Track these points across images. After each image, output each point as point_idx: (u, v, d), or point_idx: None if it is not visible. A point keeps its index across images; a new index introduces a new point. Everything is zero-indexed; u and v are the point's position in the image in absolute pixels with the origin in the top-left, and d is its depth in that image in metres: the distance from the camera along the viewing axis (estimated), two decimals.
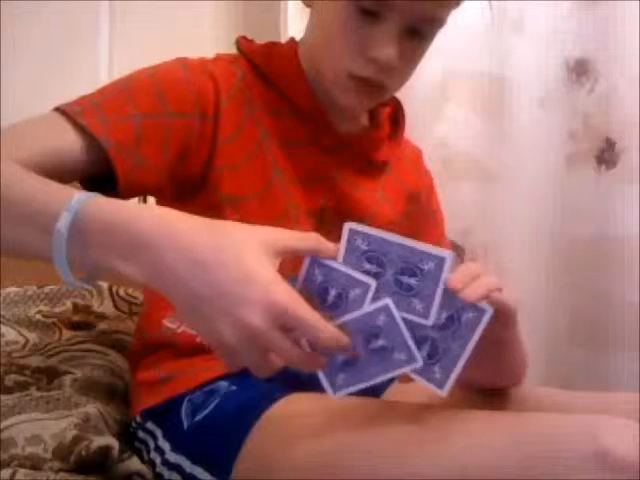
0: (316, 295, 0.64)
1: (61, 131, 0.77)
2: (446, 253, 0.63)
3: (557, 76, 1.56)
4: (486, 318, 0.64)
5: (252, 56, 0.92)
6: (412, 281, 0.64)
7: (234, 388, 0.83)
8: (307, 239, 0.65)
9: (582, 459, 0.59)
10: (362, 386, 0.66)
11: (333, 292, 0.64)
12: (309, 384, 0.79)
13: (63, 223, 0.61)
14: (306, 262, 0.65)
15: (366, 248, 0.64)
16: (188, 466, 0.78)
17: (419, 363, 0.64)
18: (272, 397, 0.78)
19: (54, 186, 0.67)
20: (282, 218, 0.88)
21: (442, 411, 0.69)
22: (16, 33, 1.48)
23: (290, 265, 0.64)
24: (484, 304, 0.65)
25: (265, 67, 0.91)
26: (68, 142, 0.77)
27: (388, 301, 0.64)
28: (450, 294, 0.64)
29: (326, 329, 0.60)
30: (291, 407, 0.77)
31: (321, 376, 0.66)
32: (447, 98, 1.52)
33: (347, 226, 0.64)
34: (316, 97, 0.91)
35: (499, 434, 0.64)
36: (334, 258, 0.64)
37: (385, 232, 0.64)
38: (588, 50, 1.53)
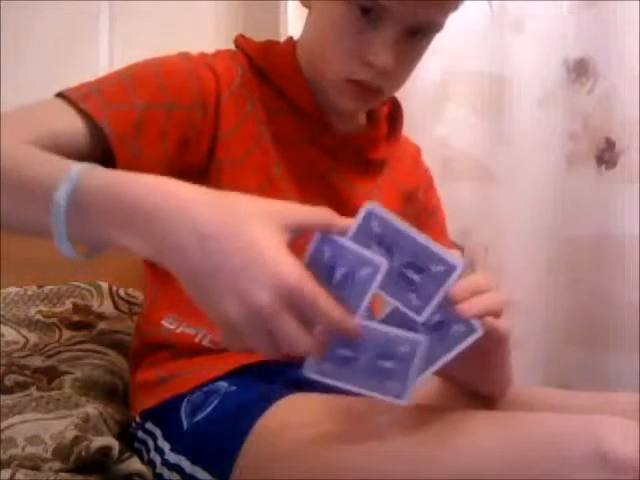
0: (323, 272, 0.61)
1: (63, 115, 0.77)
2: (458, 262, 0.62)
3: (557, 76, 1.56)
4: (472, 338, 0.64)
5: (251, 54, 0.92)
6: (416, 277, 0.62)
7: (234, 388, 0.83)
8: (318, 213, 0.62)
9: (582, 459, 0.59)
10: (338, 384, 0.64)
11: (341, 270, 0.61)
12: (309, 385, 0.79)
13: (61, 194, 0.59)
14: (315, 237, 0.62)
15: (379, 232, 0.62)
16: (188, 466, 0.78)
17: (404, 402, 0.63)
18: (272, 398, 0.78)
19: (53, 157, 0.66)
20: None
21: (442, 412, 0.69)
22: (16, 33, 1.48)
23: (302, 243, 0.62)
24: (476, 323, 0.64)
25: (263, 65, 0.91)
26: (70, 126, 0.76)
27: (423, 341, 0.63)
28: (449, 301, 0.63)
29: (337, 311, 0.58)
30: (291, 408, 0.77)
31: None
32: (447, 98, 1.51)
33: (367, 205, 0.62)
34: (314, 96, 0.91)
35: (499, 434, 0.64)
36: (344, 233, 0.62)
37: (403, 223, 0.62)
38: (588, 50, 1.53)
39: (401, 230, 0.62)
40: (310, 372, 0.64)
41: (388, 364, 0.63)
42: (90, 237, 0.62)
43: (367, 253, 0.60)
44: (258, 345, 0.59)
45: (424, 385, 0.67)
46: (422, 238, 0.62)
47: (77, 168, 0.61)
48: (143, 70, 0.83)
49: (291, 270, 0.57)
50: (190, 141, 0.84)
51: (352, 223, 0.62)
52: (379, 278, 0.60)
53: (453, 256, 0.62)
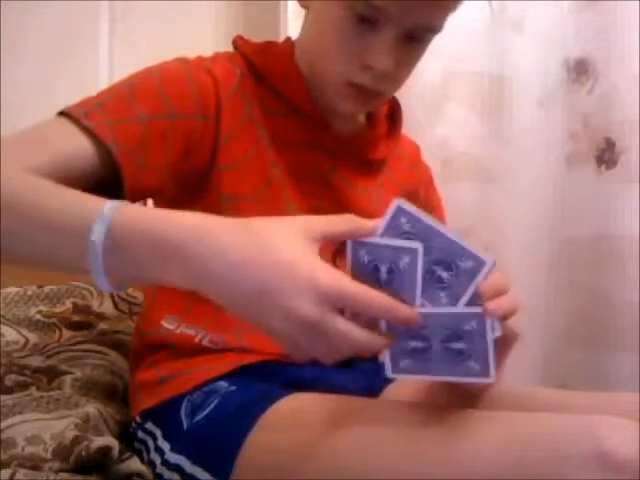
0: (369, 276, 0.62)
1: (67, 135, 0.76)
2: (488, 258, 0.62)
3: (557, 76, 1.56)
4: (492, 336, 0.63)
5: (249, 55, 0.91)
6: (445, 274, 0.62)
7: (234, 388, 0.82)
8: (342, 221, 0.63)
9: (582, 459, 0.59)
10: (423, 377, 0.64)
11: (383, 268, 0.62)
12: (310, 384, 0.79)
13: (97, 235, 0.61)
14: (349, 246, 0.63)
15: (409, 229, 0.62)
16: (188, 466, 0.78)
17: (491, 380, 0.62)
18: (272, 397, 0.78)
19: (80, 195, 0.66)
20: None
21: (441, 411, 0.69)
22: (16, 33, 1.48)
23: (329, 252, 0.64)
24: (497, 323, 0.63)
25: (262, 66, 0.91)
26: (75, 146, 0.76)
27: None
28: (475, 298, 0.62)
29: (381, 300, 0.59)
30: (291, 407, 0.77)
31: (386, 353, 0.65)
32: (447, 98, 1.51)
33: (395, 202, 0.62)
34: (313, 97, 0.91)
35: (499, 434, 0.64)
36: (374, 235, 0.62)
37: (432, 219, 0.62)
38: (588, 50, 1.53)
39: (431, 226, 0.62)
40: (390, 373, 0.65)
41: (460, 345, 0.62)
42: (127, 273, 0.64)
43: (400, 243, 0.61)
44: (320, 354, 0.61)
45: (416, 383, 0.67)
46: (452, 234, 0.62)
47: (109, 207, 0.62)
48: (143, 80, 0.83)
49: (325, 273, 0.58)
50: (192, 149, 0.84)
51: (381, 221, 0.63)
52: (420, 261, 0.61)
53: (483, 252, 0.62)
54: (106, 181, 0.78)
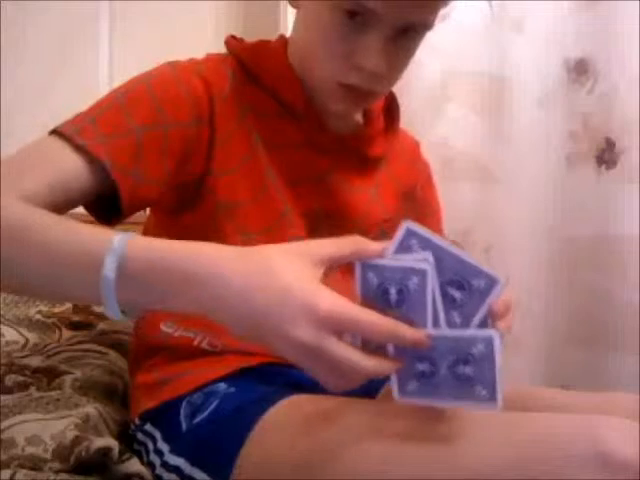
0: (379, 298, 0.63)
1: (61, 155, 0.75)
2: (500, 276, 0.62)
3: (557, 76, 1.56)
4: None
5: (241, 55, 0.90)
6: (457, 294, 0.62)
7: (233, 390, 0.82)
8: (347, 244, 0.64)
9: (582, 459, 0.59)
10: (430, 403, 0.64)
11: (393, 290, 0.62)
12: (309, 386, 0.79)
13: (109, 268, 0.62)
14: (357, 269, 0.63)
15: (419, 251, 0.62)
16: (187, 468, 0.78)
17: (497, 406, 0.61)
18: (272, 399, 0.78)
19: (86, 228, 0.67)
20: (277, 222, 0.87)
21: (441, 412, 0.69)
22: (16, 33, 1.48)
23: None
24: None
25: (254, 66, 0.89)
26: (70, 166, 0.75)
27: (494, 334, 0.61)
28: (487, 315, 0.63)
29: (384, 323, 0.59)
30: (291, 409, 0.77)
31: (393, 376, 0.65)
32: (447, 98, 1.52)
33: (405, 225, 0.62)
34: (307, 96, 0.89)
35: (498, 434, 0.64)
36: (381, 256, 0.63)
37: (442, 239, 0.62)
38: (588, 50, 1.53)
39: (441, 247, 0.62)
40: (398, 396, 0.65)
41: (468, 369, 0.61)
42: (137, 303, 0.65)
43: (408, 264, 0.61)
44: (326, 381, 0.62)
45: None
46: (462, 254, 0.62)
47: (118, 239, 0.63)
48: (135, 89, 0.82)
49: (325, 299, 0.59)
50: (188, 155, 0.83)
51: (391, 243, 0.63)
52: (430, 282, 0.61)
53: (494, 271, 0.62)
54: (104, 195, 0.78)
